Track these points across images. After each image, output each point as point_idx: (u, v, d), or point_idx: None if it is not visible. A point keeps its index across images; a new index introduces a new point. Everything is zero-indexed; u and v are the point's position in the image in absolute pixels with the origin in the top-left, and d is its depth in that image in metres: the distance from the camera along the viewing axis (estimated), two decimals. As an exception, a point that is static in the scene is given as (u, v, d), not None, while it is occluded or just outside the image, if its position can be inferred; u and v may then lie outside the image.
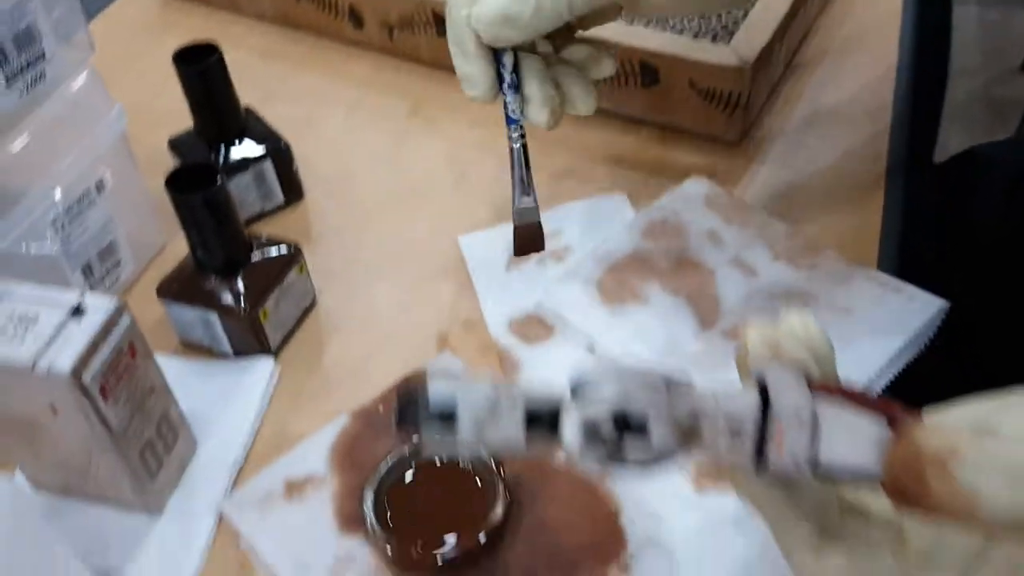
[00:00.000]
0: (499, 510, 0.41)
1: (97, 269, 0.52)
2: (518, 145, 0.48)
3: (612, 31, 0.55)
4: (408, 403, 0.29)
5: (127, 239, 0.53)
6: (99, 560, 0.42)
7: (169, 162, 0.59)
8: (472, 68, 0.45)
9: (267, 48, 0.73)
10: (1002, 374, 0.50)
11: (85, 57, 0.49)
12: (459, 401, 0.29)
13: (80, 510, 0.44)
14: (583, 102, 0.47)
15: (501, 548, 0.41)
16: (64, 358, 0.37)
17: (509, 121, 0.47)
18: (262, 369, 0.49)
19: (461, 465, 0.43)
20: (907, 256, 0.55)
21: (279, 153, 0.57)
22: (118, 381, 0.39)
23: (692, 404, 0.30)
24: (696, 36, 0.60)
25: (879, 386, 0.45)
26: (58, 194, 0.48)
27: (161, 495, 0.44)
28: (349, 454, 0.45)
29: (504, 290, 0.52)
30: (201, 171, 0.46)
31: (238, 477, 0.45)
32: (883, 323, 0.47)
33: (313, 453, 0.45)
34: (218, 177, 0.45)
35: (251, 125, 0.57)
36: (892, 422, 0.29)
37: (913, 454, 0.27)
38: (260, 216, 0.58)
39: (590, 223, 0.55)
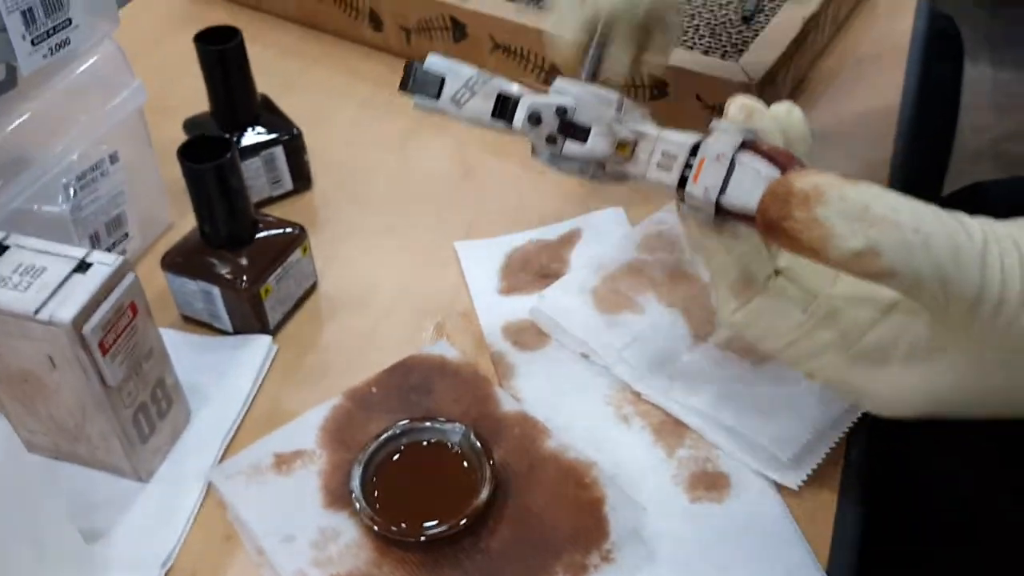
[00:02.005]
0: (484, 494, 0.41)
1: (104, 239, 0.52)
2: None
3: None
4: (410, 69, 0.39)
5: (136, 214, 0.54)
6: (85, 522, 0.42)
7: (183, 143, 0.60)
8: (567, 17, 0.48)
9: (288, 45, 0.74)
10: (984, 438, 0.50)
11: (110, 29, 0.50)
12: (447, 72, 0.39)
13: (70, 472, 0.44)
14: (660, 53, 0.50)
15: (484, 531, 0.41)
16: (66, 309, 0.37)
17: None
18: (260, 346, 0.50)
19: (450, 447, 0.43)
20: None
21: (291, 140, 0.58)
22: (117, 337, 0.40)
23: (637, 126, 0.38)
24: (706, 53, 0.61)
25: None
26: (73, 158, 0.49)
27: (151, 461, 0.44)
28: (340, 432, 0.45)
29: (499, 297, 0.53)
30: (214, 145, 0.47)
31: (228, 449, 0.46)
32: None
33: (304, 429, 0.45)
34: (230, 150, 0.46)
35: (265, 111, 0.59)
36: (784, 170, 0.34)
37: (785, 189, 0.31)
38: (269, 201, 0.59)
39: (587, 236, 0.56)
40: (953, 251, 0.30)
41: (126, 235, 0.54)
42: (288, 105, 0.62)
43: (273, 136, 0.57)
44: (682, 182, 0.36)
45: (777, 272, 0.38)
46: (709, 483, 0.43)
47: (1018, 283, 0.31)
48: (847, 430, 0.44)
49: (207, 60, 0.54)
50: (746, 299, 0.37)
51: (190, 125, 0.59)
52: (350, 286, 0.55)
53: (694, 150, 0.36)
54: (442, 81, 0.39)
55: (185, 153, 0.47)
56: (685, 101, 0.60)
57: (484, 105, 0.39)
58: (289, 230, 0.51)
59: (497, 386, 0.48)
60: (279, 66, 0.72)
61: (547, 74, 0.65)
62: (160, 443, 0.44)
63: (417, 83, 0.39)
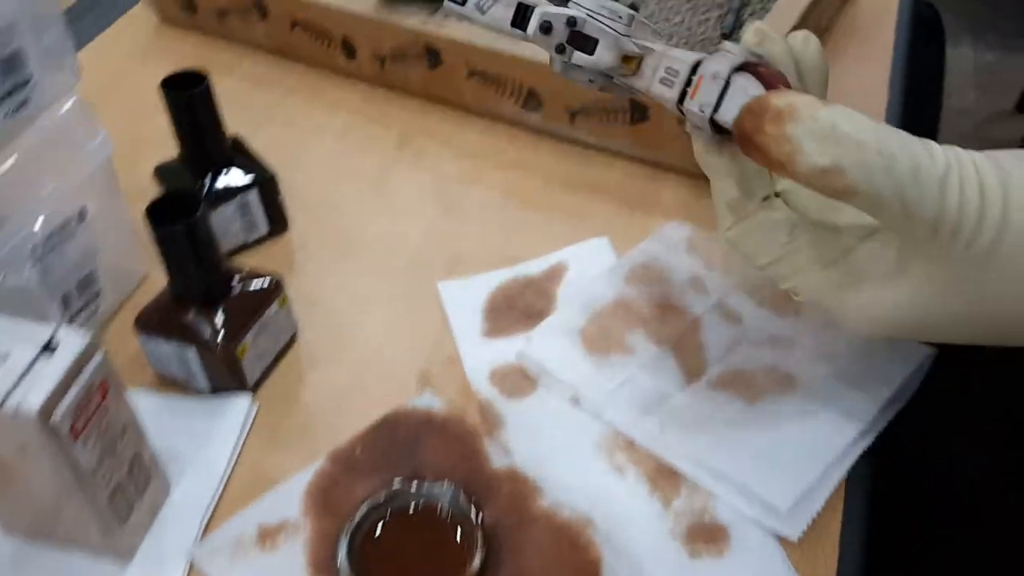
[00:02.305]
0: (477, 561, 0.40)
1: (75, 300, 0.51)
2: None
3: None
4: None
5: (108, 269, 0.53)
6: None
7: (154, 190, 0.58)
8: None
9: (259, 76, 0.72)
10: (990, 420, 0.50)
11: (72, 84, 0.49)
12: None
13: (49, 555, 0.43)
14: None
15: (477, 598, 0.40)
16: (33, 397, 0.36)
17: None
18: (239, 407, 0.48)
19: (439, 512, 0.42)
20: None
21: (265, 184, 0.56)
22: (88, 421, 0.38)
23: (644, 42, 0.40)
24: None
25: (871, 437, 0.44)
26: (39, 223, 0.47)
27: (132, 540, 0.43)
28: (325, 498, 0.44)
29: (484, 340, 0.52)
30: (183, 200, 0.46)
31: (211, 520, 0.44)
32: (870, 373, 0.46)
33: (288, 497, 0.44)
34: (199, 207, 0.45)
35: (238, 154, 0.57)
36: (770, 88, 0.36)
37: (761, 105, 0.34)
38: (244, 246, 0.58)
39: (573, 269, 0.55)
40: (914, 173, 0.32)
41: (98, 293, 0.52)
42: (262, 140, 0.61)
43: (246, 180, 0.56)
44: (683, 98, 0.39)
45: (777, 194, 0.40)
46: (708, 536, 0.42)
47: (975, 207, 0.32)
48: (847, 473, 0.43)
49: (175, 107, 0.52)
50: (740, 218, 0.40)
51: (161, 172, 0.57)
52: (331, 335, 0.53)
53: (696, 68, 0.38)
54: None
55: (154, 210, 0.45)
56: (667, 124, 0.58)
57: (505, 13, 0.42)
58: (266, 283, 0.50)
59: (486, 439, 0.46)
60: (252, 98, 0.70)
61: (525, 99, 0.63)
62: (140, 520, 0.43)
63: None
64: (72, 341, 0.38)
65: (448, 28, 0.63)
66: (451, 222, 0.60)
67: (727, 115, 0.37)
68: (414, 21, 0.64)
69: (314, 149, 0.66)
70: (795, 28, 0.61)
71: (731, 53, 0.38)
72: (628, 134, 0.60)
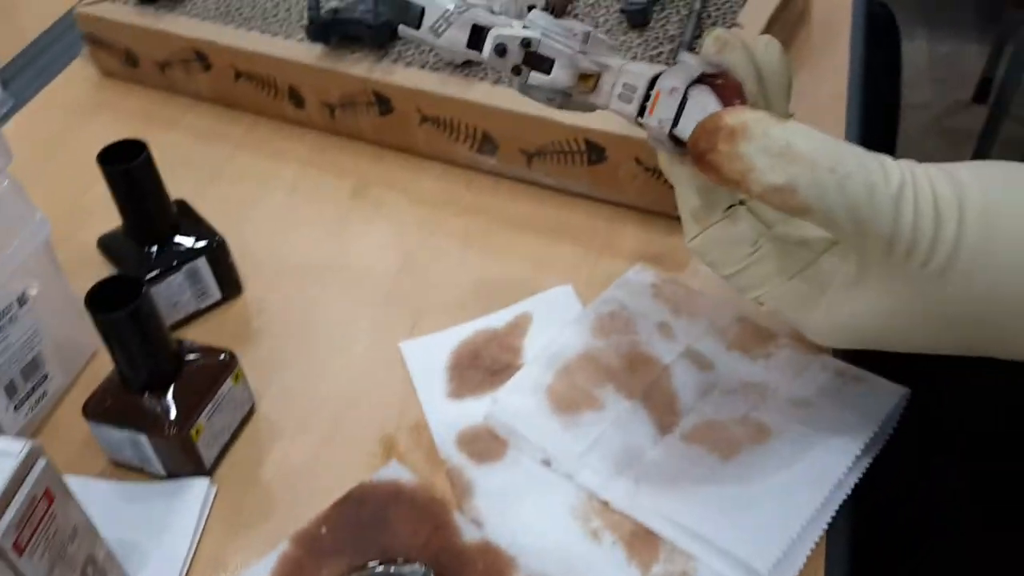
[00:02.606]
0: (449, 646, 0.38)
1: (21, 387, 0.49)
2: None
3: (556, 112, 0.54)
4: (396, 2, 0.41)
5: (54, 351, 0.51)
6: None
7: (98, 262, 0.56)
8: None
9: (204, 129, 0.70)
10: (966, 458, 0.49)
11: (3, 165, 0.47)
12: (428, 3, 0.41)
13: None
14: None
15: None
16: (-30, 517, 0.34)
17: None
18: (197, 491, 0.46)
19: (408, 597, 0.40)
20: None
21: (214, 249, 0.54)
22: (34, 532, 0.36)
23: (601, 59, 0.40)
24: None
25: (849, 487, 0.43)
26: (-27, 314, 0.45)
27: (88, 643, 0.40)
28: (290, 585, 0.42)
29: (450, 401, 0.50)
30: (125, 282, 0.44)
31: (172, 615, 0.43)
32: (846, 418, 0.45)
33: (251, 586, 0.42)
34: (142, 290, 0.43)
35: (184, 219, 0.55)
36: (726, 106, 0.36)
37: (714, 123, 0.34)
38: (196, 314, 0.56)
39: (538, 320, 0.53)
40: (868, 192, 0.32)
41: (46, 376, 0.50)
42: (210, 198, 0.59)
43: (194, 247, 0.54)
44: (642, 112, 0.39)
45: (742, 202, 0.40)
46: None
47: (930, 226, 0.32)
48: (826, 526, 0.42)
49: (114, 180, 0.50)
50: (703, 228, 0.40)
51: (104, 243, 0.55)
52: (291, 405, 0.51)
53: (653, 83, 0.38)
54: (422, 12, 0.41)
55: (95, 295, 0.43)
56: (624, 164, 0.57)
57: (460, 35, 0.41)
58: (218, 358, 0.48)
59: (456, 511, 0.45)
60: (198, 153, 0.68)
61: (479, 143, 0.62)
62: (96, 624, 0.41)
63: (399, 13, 0.42)
64: (11, 451, 0.36)
65: (397, 75, 0.62)
66: (411, 276, 0.58)
67: (685, 131, 0.37)
68: (360, 68, 0.63)
69: (265, 204, 0.64)
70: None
71: (689, 65, 0.38)
72: (586, 175, 0.59)
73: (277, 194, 0.65)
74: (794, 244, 0.39)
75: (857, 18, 0.76)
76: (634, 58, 0.60)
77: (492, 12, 0.63)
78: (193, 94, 0.72)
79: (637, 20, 0.62)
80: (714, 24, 0.62)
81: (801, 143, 0.33)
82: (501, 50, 0.40)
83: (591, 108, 0.42)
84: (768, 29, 0.62)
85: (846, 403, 0.46)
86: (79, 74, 0.76)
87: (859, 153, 0.33)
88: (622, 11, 0.63)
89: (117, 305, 0.43)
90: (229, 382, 0.48)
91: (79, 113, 0.73)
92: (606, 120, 0.56)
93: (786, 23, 0.69)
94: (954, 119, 2.10)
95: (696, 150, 0.35)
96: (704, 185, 0.40)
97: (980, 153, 1.72)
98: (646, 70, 0.40)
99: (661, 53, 0.60)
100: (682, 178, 0.40)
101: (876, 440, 0.45)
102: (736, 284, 0.40)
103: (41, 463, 0.37)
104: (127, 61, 0.73)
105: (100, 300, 0.43)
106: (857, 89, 0.70)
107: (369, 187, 0.65)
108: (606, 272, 0.56)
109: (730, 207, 0.40)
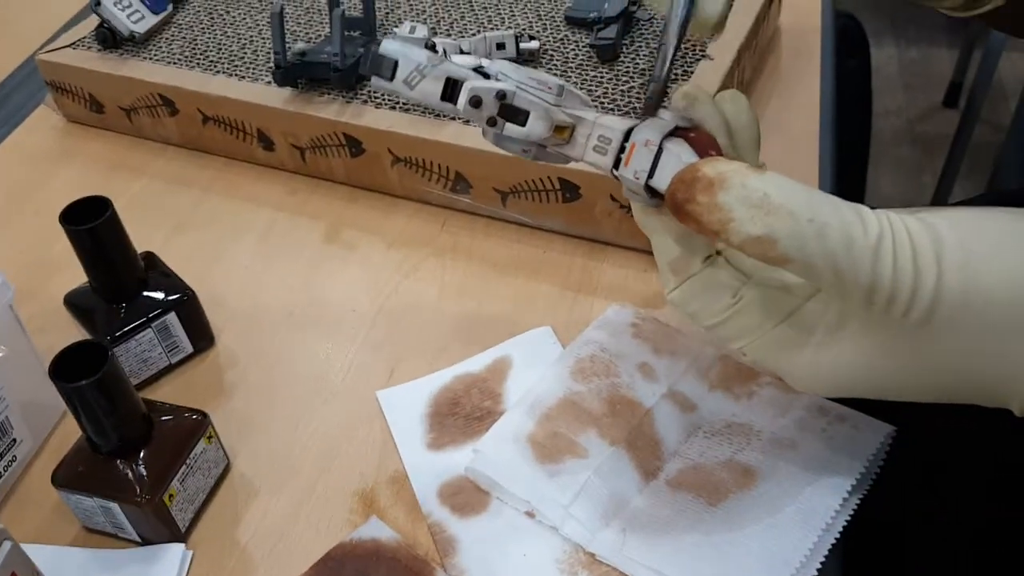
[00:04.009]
0: None
1: (-14, 455, 0.47)
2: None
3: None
4: (368, 53, 0.41)
5: (21, 414, 0.49)
6: None
7: (65, 319, 0.55)
8: None
9: (173, 174, 0.69)
10: (954, 498, 0.49)
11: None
12: (400, 56, 0.41)
13: None
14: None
15: None
16: (-71, 610, 0.33)
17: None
18: (172, 557, 0.45)
19: (393, 664, 0.39)
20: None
21: (184, 303, 0.53)
22: (-2, 619, 0.35)
23: (576, 111, 0.40)
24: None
25: (839, 526, 0.43)
26: (-67, 386, 0.44)
27: None
28: (270, 655, 0.41)
29: (430, 452, 0.49)
30: (91, 347, 0.43)
31: None
32: (832, 459, 0.44)
33: (231, 657, 0.41)
34: (108, 358, 0.42)
35: (152, 273, 0.54)
36: (702, 157, 0.37)
37: (691, 174, 0.34)
38: (168, 369, 0.54)
39: (518, 363, 0.53)
40: (846, 243, 0.32)
41: (14, 441, 0.49)
42: (180, 246, 0.58)
43: (164, 302, 0.53)
44: (617, 164, 0.39)
45: (718, 252, 0.40)
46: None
47: (909, 277, 0.32)
48: (816, 572, 0.42)
49: (78, 240, 0.49)
50: (682, 279, 0.39)
51: (71, 301, 0.54)
52: (267, 461, 0.50)
53: (628, 135, 0.39)
54: (395, 65, 0.41)
55: (60, 362, 0.42)
56: (600, 202, 0.57)
57: (434, 88, 0.41)
58: (190, 418, 0.47)
59: (439, 568, 0.44)
60: (167, 200, 0.67)
61: (453, 183, 0.61)
62: None
63: (372, 66, 0.41)
64: (-28, 535, 0.35)
65: (367, 117, 0.61)
66: (387, 320, 0.57)
67: (661, 182, 0.37)
68: (330, 111, 0.62)
69: (236, 250, 0.63)
70: (722, 84, 0.59)
71: (663, 119, 0.39)
72: (562, 212, 0.58)
73: (248, 239, 0.64)
74: (777, 291, 0.38)
75: (827, 40, 0.76)
76: (605, 93, 0.60)
77: (461, 51, 0.62)
78: (161, 139, 0.71)
79: (607, 55, 0.61)
80: (684, 56, 0.61)
81: (778, 194, 0.33)
82: (476, 102, 0.40)
83: (565, 160, 0.42)
84: (739, 57, 0.62)
85: (832, 443, 0.45)
86: (44, 121, 0.75)
87: (836, 203, 0.33)
88: (591, 46, 0.62)
89: (84, 370, 0.42)
90: (202, 443, 0.46)
91: (44, 161, 0.72)
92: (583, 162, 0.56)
93: (756, 49, 0.68)
94: (925, 124, 2.11)
95: (674, 201, 0.35)
96: (682, 235, 0.39)
97: (952, 157, 1.73)
98: (620, 123, 0.39)
99: (632, 87, 0.60)
100: (658, 229, 0.40)
101: (863, 480, 0.44)
102: (719, 335, 0.39)
103: (6, 547, 0.35)
104: (92, 107, 0.72)
105: (66, 366, 0.42)
106: (830, 110, 0.70)
107: (342, 229, 0.64)
108: (585, 310, 0.56)
109: (707, 257, 0.40)
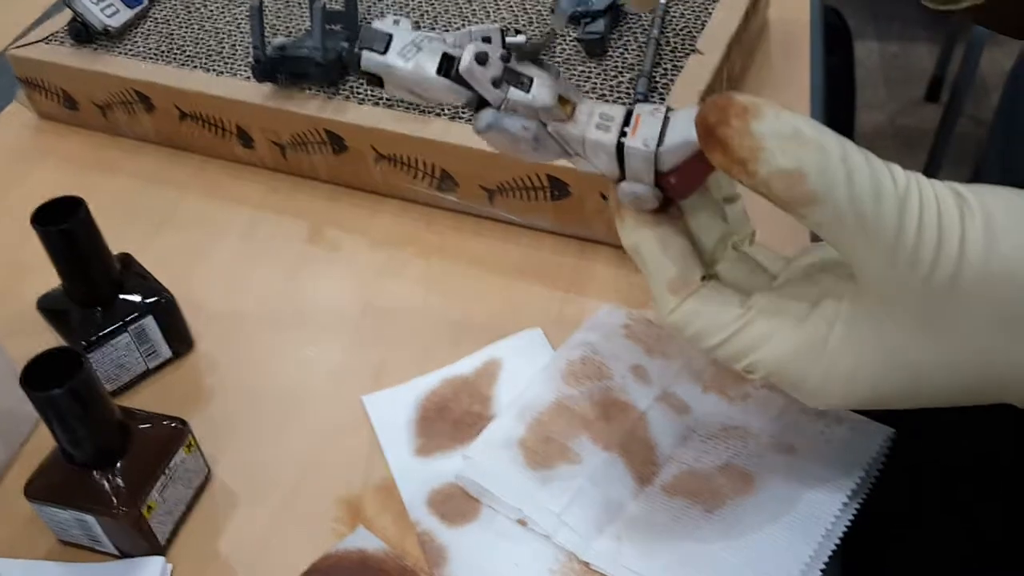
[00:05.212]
0: None
1: (-45, 467, 0.45)
2: None
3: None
4: (362, 32, 0.39)
5: (-9, 423, 0.47)
6: None
7: (39, 323, 0.53)
8: None
9: (150, 172, 0.67)
10: (955, 502, 0.48)
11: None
12: (395, 32, 0.39)
13: None
14: None
15: None
16: None
17: None
18: (152, 570, 0.44)
19: None
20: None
21: (162, 307, 0.51)
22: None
23: (574, 93, 0.38)
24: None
25: (839, 531, 0.42)
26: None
27: None
28: (255, 673, 0.39)
29: (419, 458, 0.48)
30: (64, 354, 0.41)
31: None
32: (830, 463, 0.43)
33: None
34: (82, 365, 0.40)
35: (128, 276, 0.52)
36: None
37: (725, 99, 0.32)
38: (145, 374, 0.53)
39: (507, 366, 0.51)
40: (875, 188, 0.31)
41: (-17, 451, 0.47)
42: (159, 247, 0.56)
43: (141, 305, 0.51)
44: (620, 149, 0.37)
45: (711, 276, 0.39)
46: None
47: (933, 235, 0.31)
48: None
49: (50, 242, 0.47)
50: (682, 298, 0.37)
51: (45, 305, 0.52)
52: (249, 469, 0.49)
53: (630, 114, 0.37)
54: (389, 38, 0.39)
55: (32, 369, 0.41)
56: (588, 199, 0.55)
57: (430, 61, 0.39)
58: (169, 426, 0.45)
59: (428, 580, 0.42)
60: (144, 199, 0.65)
61: (438, 181, 0.59)
62: None
63: (364, 40, 0.39)
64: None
65: (350, 113, 0.59)
66: (372, 322, 0.56)
67: (675, 137, 0.36)
68: (311, 107, 0.60)
69: (216, 251, 0.61)
70: (711, 79, 0.58)
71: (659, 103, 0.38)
72: (551, 210, 0.57)
73: (228, 239, 0.62)
74: (786, 298, 0.36)
75: (815, 34, 0.75)
76: (594, 88, 0.59)
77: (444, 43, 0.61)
78: (137, 136, 0.69)
79: (595, 49, 0.60)
80: (673, 51, 0.60)
81: (811, 129, 0.31)
82: (482, 58, 0.38)
83: (562, 148, 0.39)
84: (728, 52, 0.61)
85: (830, 447, 0.44)
86: (15, 118, 0.73)
87: (865, 152, 0.32)
88: (579, 40, 0.61)
89: (57, 378, 0.40)
90: (181, 452, 0.45)
91: (16, 159, 0.70)
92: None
93: (745, 44, 0.67)
94: (908, 118, 2.12)
95: (705, 124, 0.32)
96: (677, 253, 0.38)
97: (936, 152, 1.74)
98: (617, 107, 0.38)
99: (620, 82, 0.59)
100: (653, 245, 0.38)
101: (862, 485, 0.43)
102: (725, 353, 0.37)
103: (-26, 566, 0.34)
104: (66, 103, 0.69)
105: (38, 373, 0.40)
106: (820, 104, 0.69)
107: (325, 228, 0.62)
108: (575, 311, 0.54)
109: (703, 277, 0.38)
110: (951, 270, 0.31)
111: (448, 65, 0.39)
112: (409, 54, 0.39)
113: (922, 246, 0.31)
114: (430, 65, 0.39)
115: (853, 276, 0.34)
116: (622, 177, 0.38)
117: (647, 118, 0.37)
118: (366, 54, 0.39)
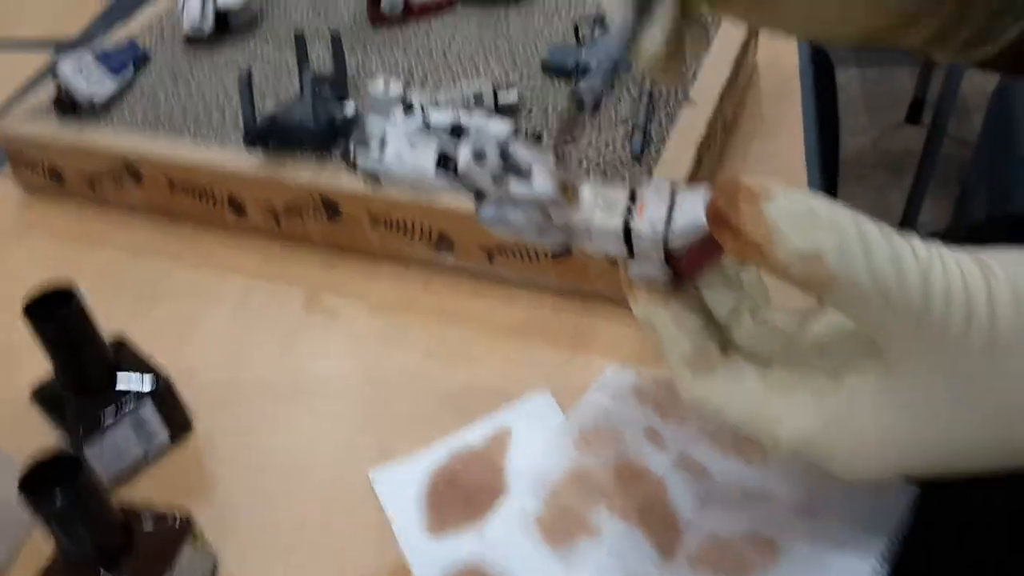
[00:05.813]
0: None
1: (-50, 572, 0.44)
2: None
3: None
4: (355, 134, 0.38)
5: (-13, 523, 0.46)
6: None
7: (32, 415, 0.51)
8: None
9: (140, 244, 0.66)
10: (981, 557, 0.47)
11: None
12: (388, 129, 0.38)
13: None
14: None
15: None
16: None
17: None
18: (158, 674, 0.42)
19: None
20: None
21: (159, 392, 0.50)
22: None
23: (575, 176, 0.38)
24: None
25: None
26: None
27: None
28: None
29: (431, 537, 0.46)
30: (62, 458, 0.39)
31: None
32: (855, 527, 0.42)
33: None
34: (82, 469, 0.38)
35: (123, 360, 0.51)
36: None
37: (733, 184, 0.31)
38: (144, 461, 0.51)
39: (518, 435, 0.50)
40: (896, 261, 0.30)
41: (-21, 554, 0.45)
42: (151, 321, 0.55)
43: (138, 392, 0.49)
44: (627, 232, 0.36)
45: (728, 343, 0.38)
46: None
47: (962, 304, 0.30)
48: (851, 653, 0.39)
49: (43, 334, 0.46)
50: (700, 373, 0.36)
51: (40, 396, 0.50)
52: (255, 557, 0.47)
53: (633, 195, 0.37)
54: (383, 139, 0.39)
55: (31, 476, 0.39)
56: (592, 258, 0.54)
57: (427, 160, 0.38)
58: (173, 523, 0.43)
59: (449, 670, 0.41)
60: (135, 272, 0.64)
61: (436, 243, 0.58)
62: None
63: (358, 140, 0.39)
64: None
65: (343, 179, 0.58)
66: (374, 392, 0.54)
67: (683, 219, 0.35)
68: (304, 175, 0.59)
69: (210, 323, 0.60)
70: (706, 129, 0.58)
71: (664, 180, 0.37)
72: (552, 268, 0.56)
73: (222, 310, 0.61)
74: (810, 368, 0.35)
75: (805, 76, 0.75)
76: (589, 142, 0.58)
77: (437, 103, 0.60)
78: (126, 207, 0.68)
79: (589, 108, 0.59)
80: (666, 102, 0.60)
81: (823, 208, 0.30)
82: (480, 155, 0.37)
83: (565, 237, 0.38)
84: (720, 102, 0.61)
85: (855, 510, 0.43)
86: (1, 192, 0.72)
87: (881, 224, 0.31)
88: (576, 100, 0.60)
89: (56, 479, 0.38)
90: (187, 548, 0.43)
91: (2, 236, 0.68)
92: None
93: (736, 92, 0.67)
94: (890, 142, 2.13)
95: (716, 210, 0.32)
96: (694, 325, 0.37)
97: (921, 174, 1.74)
98: (618, 191, 0.37)
99: (615, 136, 0.58)
100: (667, 321, 0.37)
101: (890, 546, 0.42)
102: (748, 429, 0.36)
103: None
104: (52, 178, 0.68)
105: (36, 475, 0.39)
106: (814, 143, 0.68)
107: (322, 295, 0.61)
108: (582, 371, 0.53)
109: (721, 348, 0.37)
110: (984, 336, 0.30)
111: (445, 161, 0.38)
112: (405, 154, 0.38)
113: (951, 315, 0.30)
114: (427, 164, 0.38)
115: (875, 345, 0.33)
116: (631, 255, 0.37)
117: (652, 197, 0.36)
118: (362, 158, 0.39)
